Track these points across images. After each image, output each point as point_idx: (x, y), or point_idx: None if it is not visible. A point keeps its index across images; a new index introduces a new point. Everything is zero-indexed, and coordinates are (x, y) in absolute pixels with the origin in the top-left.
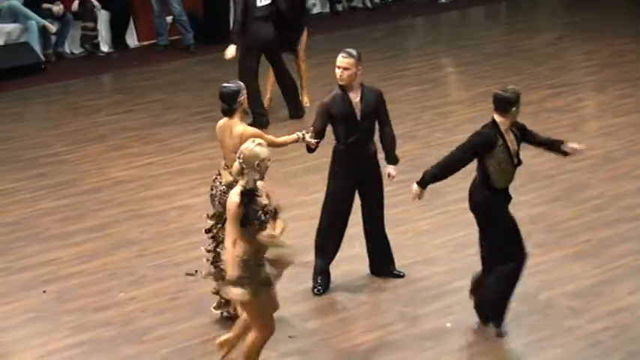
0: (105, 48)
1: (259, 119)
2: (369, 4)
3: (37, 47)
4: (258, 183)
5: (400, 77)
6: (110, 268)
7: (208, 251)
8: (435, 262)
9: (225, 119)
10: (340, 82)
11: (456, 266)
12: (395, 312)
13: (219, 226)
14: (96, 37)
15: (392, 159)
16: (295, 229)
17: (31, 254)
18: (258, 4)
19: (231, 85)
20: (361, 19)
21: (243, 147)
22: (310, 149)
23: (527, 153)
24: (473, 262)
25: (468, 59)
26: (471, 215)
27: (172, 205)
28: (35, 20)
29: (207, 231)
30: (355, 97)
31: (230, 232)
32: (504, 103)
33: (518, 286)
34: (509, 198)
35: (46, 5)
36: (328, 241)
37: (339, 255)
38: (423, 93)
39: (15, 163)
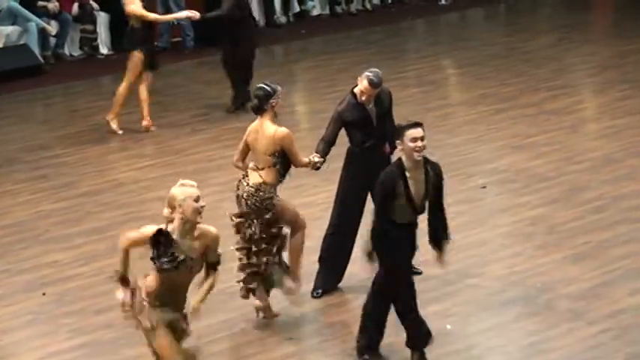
0: (104, 50)
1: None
2: (368, 6)
3: (36, 49)
4: (204, 228)
5: (400, 79)
6: (110, 271)
7: (238, 249)
8: (435, 263)
9: (257, 121)
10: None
11: (457, 268)
12: (395, 314)
13: (248, 224)
14: (95, 39)
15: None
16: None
17: (31, 256)
18: None
19: (265, 87)
20: (360, 21)
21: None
22: (317, 168)
23: (525, 155)
24: (474, 264)
25: (468, 61)
26: (470, 217)
27: None
28: (35, 22)
29: (237, 231)
30: (369, 102)
31: (128, 237)
32: (396, 134)
33: (519, 288)
34: (410, 234)
35: (41, 3)
36: (331, 253)
37: None
38: (424, 95)
39: (15, 165)
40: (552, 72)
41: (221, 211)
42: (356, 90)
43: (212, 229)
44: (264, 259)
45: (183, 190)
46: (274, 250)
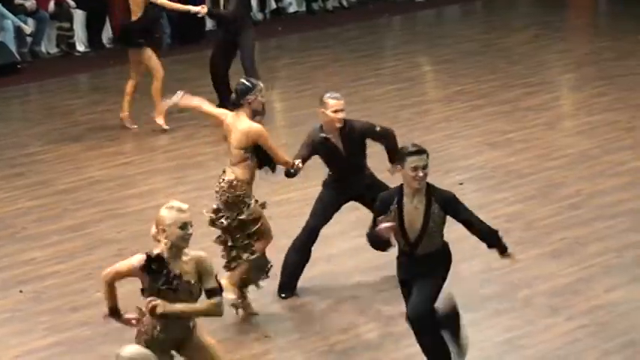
0: (81, 47)
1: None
2: (345, 3)
3: (13, 47)
4: (195, 254)
5: (376, 76)
6: (87, 268)
7: (219, 243)
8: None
9: (233, 114)
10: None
11: None
12: (373, 311)
13: (220, 221)
14: (72, 36)
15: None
16: (273, 227)
17: (7, 254)
18: None
19: (245, 82)
20: (337, 18)
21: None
22: (293, 174)
23: (502, 152)
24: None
25: (444, 58)
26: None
27: (150, 205)
28: (11, 20)
29: (212, 225)
30: (335, 139)
31: (115, 268)
32: (398, 156)
33: (496, 284)
34: (412, 262)
35: (18, 0)
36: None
37: (316, 255)
38: (400, 92)
39: None
40: (528, 69)
41: (197, 209)
42: (323, 122)
43: (201, 254)
44: (237, 255)
45: (171, 214)
46: (250, 247)
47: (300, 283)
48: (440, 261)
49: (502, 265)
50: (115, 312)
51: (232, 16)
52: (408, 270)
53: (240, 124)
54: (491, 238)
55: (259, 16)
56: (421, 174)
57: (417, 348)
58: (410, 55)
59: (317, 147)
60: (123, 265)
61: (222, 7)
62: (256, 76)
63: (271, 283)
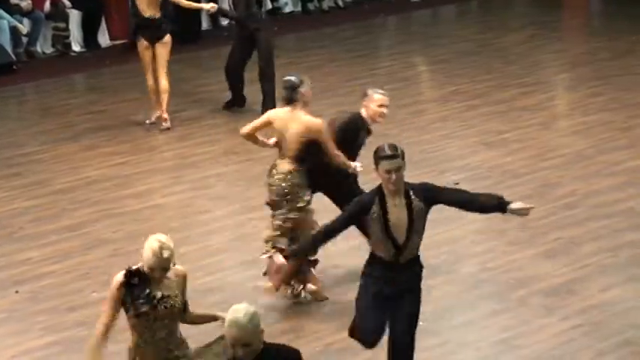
0: (77, 48)
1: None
2: (340, 3)
3: (9, 47)
4: (179, 269)
5: (372, 76)
6: (84, 268)
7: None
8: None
9: (285, 109)
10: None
11: (430, 265)
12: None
13: (279, 212)
14: (67, 36)
15: None
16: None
17: (3, 254)
18: None
19: (291, 78)
20: (333, 18)
21: (149, 238)
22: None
23: (498, 152)
24: (447, 261)
25: (439, 58)
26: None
27: (146, 205)
28: (7, 20)
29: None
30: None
31: (104, 312)
32: (374, 156)
33: (491, 284)
34: (392, 272)
35: (14, 0)
36: None
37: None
38: (396, 92)
39: None
40: (524, 68)
41: (193, 208)
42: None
43: (180, 269)
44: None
45: (149, 258)
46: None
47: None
48: (418, 273)
49: (497, 265)
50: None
51: (240, 17)
52: (392, 282)
53: (299, 117)
54: (491, 200)
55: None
56: (394, 177)
57: (415, 346)
58: (405, 55)
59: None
60: (109, 293)
61: (230, 6)
62: (272, 75)
63: (263, 282)
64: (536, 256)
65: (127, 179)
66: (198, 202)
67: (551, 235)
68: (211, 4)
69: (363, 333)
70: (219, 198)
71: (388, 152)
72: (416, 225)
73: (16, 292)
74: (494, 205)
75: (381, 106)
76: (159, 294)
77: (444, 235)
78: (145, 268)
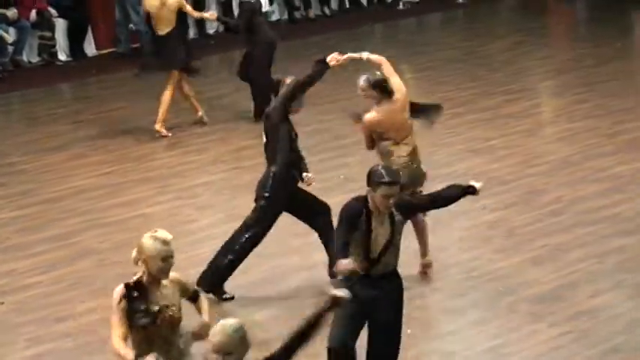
0: (63, 57)
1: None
2: (327, 12)
3: None
4: (171, 275)
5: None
6: (70, 278)
7: None
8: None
9: (385, 105)
10: None
11: (417, 272)
12: None
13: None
14: (53, 46)
15: None
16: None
17: None
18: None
19: (377, 76)
20: (319, 26)
21: (144, 236)
22: None
23: (483, 159)
24: (433, 269)
25: (425, 65)
26: (428, 221)
27: (133, 214)
28: None
29: None
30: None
31: (114, 325)
32: (368, 177)
33: (479, 292)
34: (372, 286)
35: None
36: None
37: (301, 262)
38: None
39: None
40: (509, 76)
41: (180, 218)
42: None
43: (177, 275)
44: None
45: (155, 246)
46: None
47: (296, 286)
48: (396, 286)
49: (484, 273)
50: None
51: (237, 27)
52: (368, 293)
53: (395, 104)
54: (455, 190)
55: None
56: (391, 202)
57: (403, 355)
58: (391, 63)
59: None
60: (114, 311)
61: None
62: (262, 89)
63: (255, 292)
64: (523, 263)
65: (113, 189)
66: (185, 211)
67: (538, 242)
68: (211, 12)
69: (336, 339)
70: (206, 207)
71: (388, 179)
72: (395, 240)
73: (2, 303)
74: (459, 193)
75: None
76: (156, 307)
77: (430, 242)
78: (145, 272)
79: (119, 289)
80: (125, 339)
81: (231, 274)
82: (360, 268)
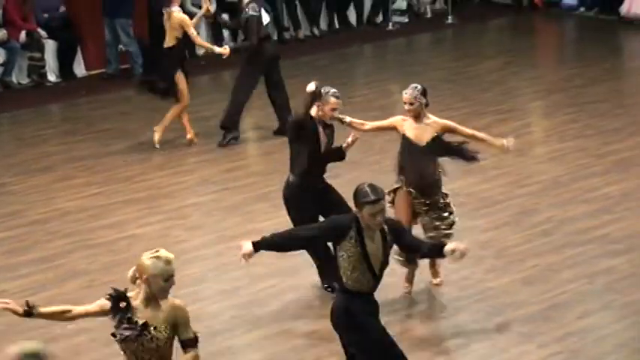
0: (52, 78)
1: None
2: (316, 32)
3: None
4: (176, 302)
5: (348, 104)
6: (58, 300)
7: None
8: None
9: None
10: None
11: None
12: None
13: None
14: (43, 66)
15: None
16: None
17: None
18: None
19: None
20: (308, 47)
21: (144, 254)
22: None
23: (474, 179)
24: (424, 289)
25: None
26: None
27: (121, 235)
28: None
29: None
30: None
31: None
32: (354, 197)
33: (468, 312)
34: (371, 304)
35: None
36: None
37: (291, 283)
38: (372, 120)
39: None
40: (499, 96)
41: (170, 239)
42: (318, 114)
43: (178, 302)
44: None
45: (158, 265)
46: None
47: (286, 306)
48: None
49: (474, 293)
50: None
51: (254, 46)
52: (374, 312)
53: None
54: (434, 249)
55: (231, 44)
56: (379, 219)
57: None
58: (381, 84)
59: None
60: (94, 305)
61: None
62: (235, 110)
63: (243, 311)
64: (514, 283)
65: (102, 210)
66: (175, 233)
67: (528, 262)
68: (225, 48)
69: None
70: (195, 228)
71: (372, 197)
72: (388, 258)
73: None
74: (434, 254)
75: (333, 109)
76: (141, 321)
77: (421, 262)
78: (147, 291)
79: (106, 300)
80: (76, 314)
81: None
82: (366, 286)
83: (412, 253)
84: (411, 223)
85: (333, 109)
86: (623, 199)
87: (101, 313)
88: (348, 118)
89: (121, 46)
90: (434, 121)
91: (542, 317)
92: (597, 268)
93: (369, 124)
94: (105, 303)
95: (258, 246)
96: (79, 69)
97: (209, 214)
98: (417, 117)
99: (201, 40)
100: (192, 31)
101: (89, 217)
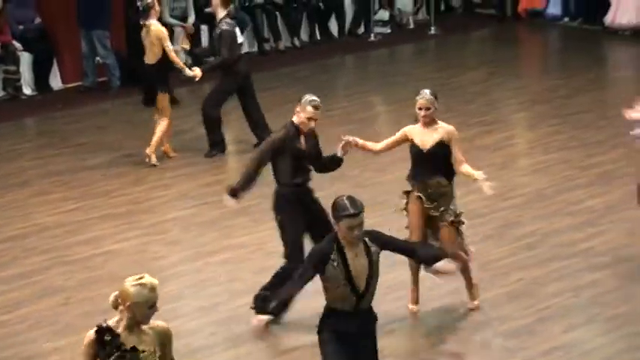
0: (28, 91)
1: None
2: (297, 43)
3: None
4: (159, 324)
5: (329, 117)
6: (34, 317)
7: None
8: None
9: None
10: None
11: (389, 308)
12: None
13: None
14: (18, 79)
15: None
16: (226, 273)
17: None
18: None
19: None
20: (289, 58)
21: (126, 280)
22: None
23: (458, 191)
24: (404, 307)
25: (397, 97)
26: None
27: (98, 251)
28: None
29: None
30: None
31: None
32: (332, 210)
33: (452, 327)
34: (354, 322)
35: None
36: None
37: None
38: (352, 132)
39: None
40: (483, 107)
41: (148, 254)
42: (297, 121)
43: (163, 325)
44: None
45: (140, 292)
46: None
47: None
48: (374, 318)
49: (458, 307)
50: None
51: (227, 61)
52: (352, 330)
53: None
54: (430, 253)
55: (210, 57)
56: (357, 232)
57: None
58: (362, 95)
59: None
60: (84, 348)
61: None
62: (211, 123)
63: (223, 328)
64: (498, 298)
65: (79, 225)
66: (153, 248)
67: (513, 275)
68: (194, 70)
69: None
70: (174, 243)
71: (351, 211)
72: (374, 270)
73: None
74: (430, 259)
75: (309, 119)
76: (129, 347)
77: (400, 278)
78: (130, 318)
79: (90, 334)
80: None
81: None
82: (348, 304)
83: (408, 256)
84: (424, 227)
85: (309, 119)
86: (608, 212)
87: (91, 351)
88: (359, 141)
89: (97, 59)
90: (442, 126)
91: (528, 331)
92: (582, 282)
93: (381, 145)
94: (90, 339)
95: (271, 313)
96: (55, 82)
97: (188, 229)
98: (429, 123)
99: (176, 57)
100: (167, 44)
101: (66, 233)
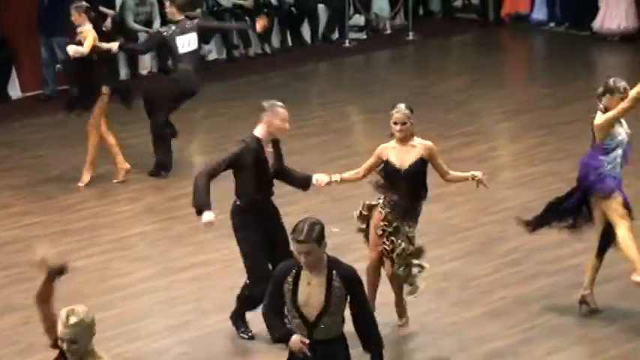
0: None
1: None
2: (267, 50)
3: None
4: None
5: (302, 127)
6: None
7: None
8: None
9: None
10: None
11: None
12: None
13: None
14: None
15: None
16: (195, 290)
17: None
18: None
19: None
20: (260, 65)
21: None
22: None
23: (437, 206)
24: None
25: (374, 106)
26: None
27: None
28: None
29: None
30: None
31: None
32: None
33: (432, 348)
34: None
35: None
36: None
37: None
38: (326, 144)
39: None
40: (464, 117)
41: (112, 271)
42: (261, 133)
43: (104, 356)
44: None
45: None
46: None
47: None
48: (339, 354)
49: (438, 327)
50: None
51: (140, 50)
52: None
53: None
54: (373, 340)
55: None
56: (304, 259)
57: None
58: (337, 105)
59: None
60: None
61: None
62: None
63: (196, 347)
64: (480, 317)
65: (39, 240)
66: (117, 264)
67: (496, 294)
68: (112, 45)
69: None
70: (139, 259)
71: (297, 237)
72: (332, 307)
73: None
74: (367, 348)
75: (284, 120)
76: None
77: (379, 298)
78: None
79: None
80: None
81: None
82: (300, 331)
83: (355, 320)
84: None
85: (284, 120)
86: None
87: None
88: (339, 176)
89: (58, 66)
90: (419, 143)
91: (511, 352)
92: (568, 300)
93: (362, 171)
94: None
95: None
96: (14, 91)
97: (154, 245)
98: (405, 139)
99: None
100: (86, 42)
101: (26, 249)
